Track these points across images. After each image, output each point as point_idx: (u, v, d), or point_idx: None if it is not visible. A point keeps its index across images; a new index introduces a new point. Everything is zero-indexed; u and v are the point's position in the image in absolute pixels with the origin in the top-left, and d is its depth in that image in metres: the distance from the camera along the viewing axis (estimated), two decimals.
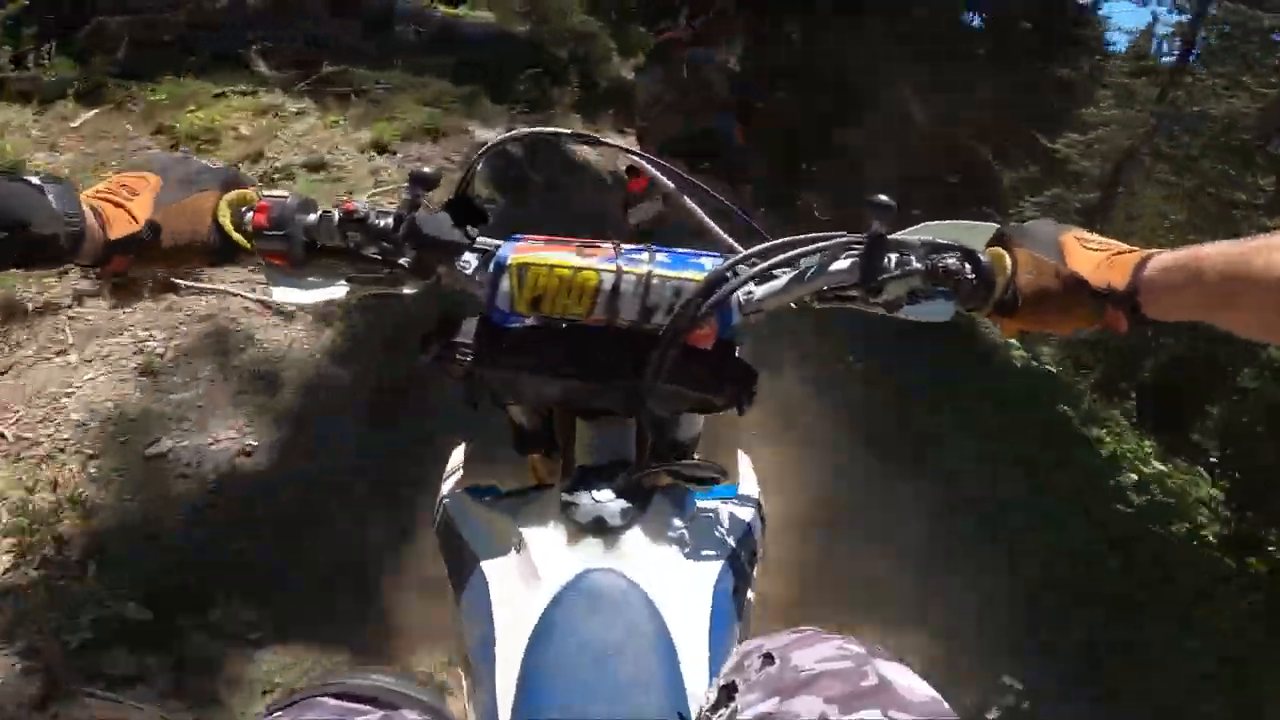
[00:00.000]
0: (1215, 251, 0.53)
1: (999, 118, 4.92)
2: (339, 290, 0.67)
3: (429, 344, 0.64)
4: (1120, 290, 0.58)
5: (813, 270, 0.65)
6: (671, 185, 0.80)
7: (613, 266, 0.61)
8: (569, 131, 0.98)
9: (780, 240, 0.65)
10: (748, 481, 0.74)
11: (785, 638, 0.54)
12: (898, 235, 0.65)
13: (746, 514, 0.68)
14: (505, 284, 0.61)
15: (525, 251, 0.62)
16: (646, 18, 5.21)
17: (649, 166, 0.83)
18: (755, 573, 0.67)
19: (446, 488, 0.74)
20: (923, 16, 4.75)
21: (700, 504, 0.66)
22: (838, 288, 0.66)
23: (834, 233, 0.65)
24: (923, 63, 4.48)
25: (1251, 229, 4.42)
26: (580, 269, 0.61)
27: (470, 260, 0.67)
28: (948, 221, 0.76)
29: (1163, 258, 0.58)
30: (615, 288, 0.61)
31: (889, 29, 4.48)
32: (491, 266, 0.63)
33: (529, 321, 0.64)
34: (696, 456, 0.83)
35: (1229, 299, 0.53)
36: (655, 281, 0.61)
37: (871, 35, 4.44)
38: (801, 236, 0.64)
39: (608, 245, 0.65)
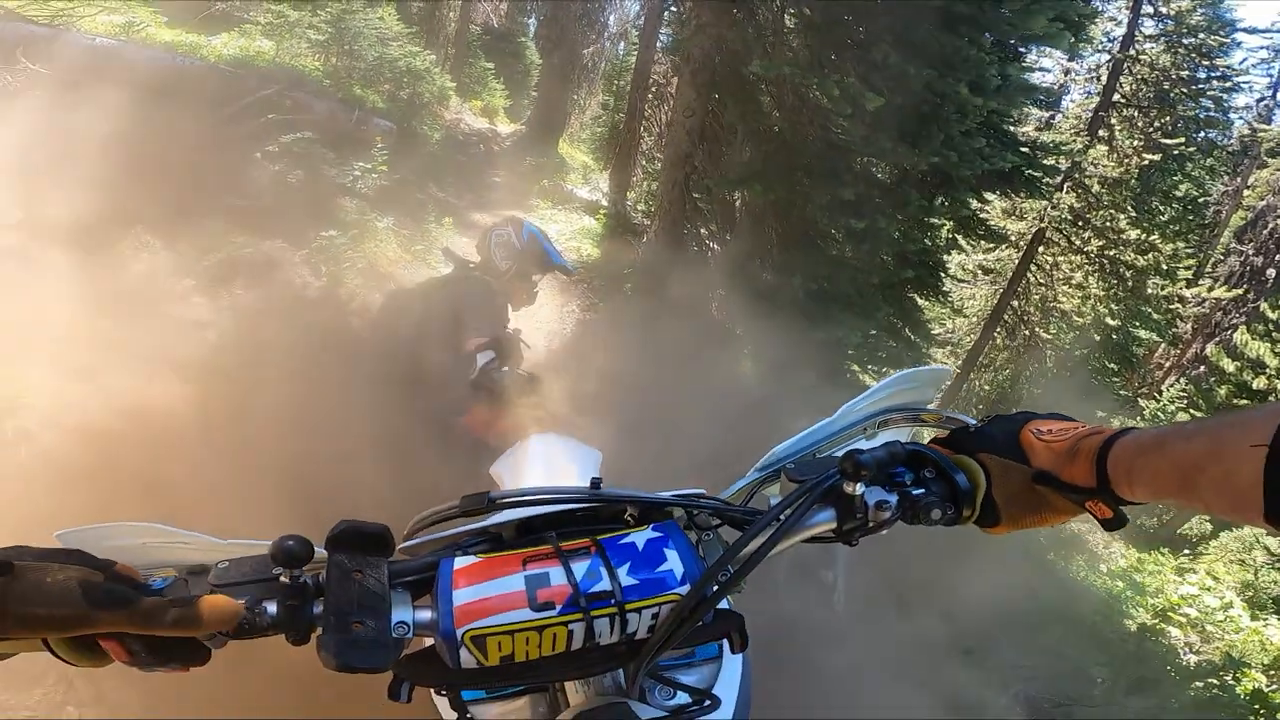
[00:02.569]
0: (1177, 434, 0.53)
1: None
2: None
3: (397, 688, 0.59)
4: (1091, 486, 0.58)
5: (793, 526, 0.62)
6: None
7: (579, 615, 0.57)
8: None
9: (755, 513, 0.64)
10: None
11: None
12: (862, 449, 0.63)
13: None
14: (466, 655, 0.56)
15: (473, 616, 0.56)
16: None
17: None
18: None
19: None
20: None
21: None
22: (817, 537, 0.65)
23: (807, 481, 0.63)
24: None
25: None
26: (545, 627, 0.56)
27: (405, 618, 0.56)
28: (903, 374, 0.75)
29: (1127, 443, 0.57)
30: (589, 630, 0.58)
31: None
32: (441, 637, 0.56)
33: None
34: None
35: (1192, 483, 0.51)
36: (630, 615, 0.58)
37: None
38: (769, 511, 0.63)
39: (548, 554, 0.60)
